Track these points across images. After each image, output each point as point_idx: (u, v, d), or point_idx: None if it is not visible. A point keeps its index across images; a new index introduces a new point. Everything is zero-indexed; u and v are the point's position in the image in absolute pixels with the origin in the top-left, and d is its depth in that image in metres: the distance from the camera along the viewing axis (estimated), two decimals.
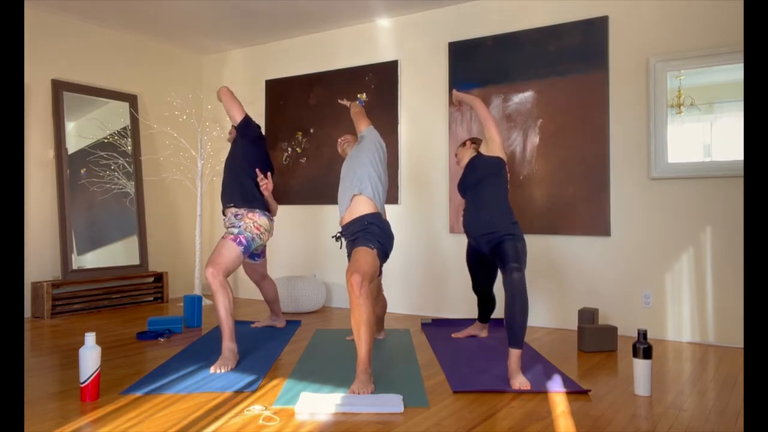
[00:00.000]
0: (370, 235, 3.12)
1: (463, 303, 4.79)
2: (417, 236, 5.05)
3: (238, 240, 3.52)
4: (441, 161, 4.94)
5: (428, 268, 4.99)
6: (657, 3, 4.09)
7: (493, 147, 3.34)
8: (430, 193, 5.01)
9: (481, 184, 3.26)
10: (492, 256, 3.22)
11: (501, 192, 3.24)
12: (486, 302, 3.87)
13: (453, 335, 4.02)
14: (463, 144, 3.66)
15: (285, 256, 5.76)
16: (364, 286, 2.83)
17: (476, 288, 3.78)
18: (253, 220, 3.64)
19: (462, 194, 3.48)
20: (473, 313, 4.64)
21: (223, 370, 3.13)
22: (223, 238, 3.54)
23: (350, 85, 5.38)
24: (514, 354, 2.93)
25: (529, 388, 2.82)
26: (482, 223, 3.23)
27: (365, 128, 3.47)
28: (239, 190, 3.72)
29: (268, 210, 3.80)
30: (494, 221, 3.17)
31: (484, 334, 4.03)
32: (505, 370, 3.01)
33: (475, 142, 3.61)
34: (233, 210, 3.73)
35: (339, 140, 3.87)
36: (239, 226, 3.59)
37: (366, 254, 3.01)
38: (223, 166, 4.03)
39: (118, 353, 3.59)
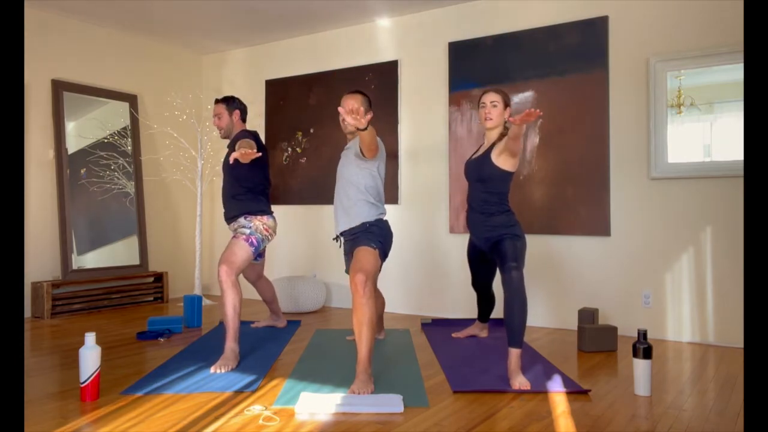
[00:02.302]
0: (371, 234, 3.12)
1: (463, 303, 4.79)
2: (417, 236, 5.05)
3: (250, 240, 3.54)
4: (441, 161, 4.94)
5: (428, 268, 4.99)
6: (657, 3, 4.09)
7: (507, 162, 3.16)
8: (430, 193, 5.00)
9: (485, 188, 3.23)
10: (491, 254, 3.22)
11: (504, 198, 3.23)
12: (485, 299, 3.87)
13: (453, 335, 4.02)
14: (499, 93, 3.28)
15: (285, 256, 5.76)
16: (368, 285, 2.84)
17: (475, 284, 3.78)
18: (262, 222, 3.66)
19: (467, 179, 3.39)
20: (473, 313, 4.64)
21: (223, 371, 3.13)
22: (234, 237, 3.56)
23: (350, 85, 5.37)
24: (514, 353, 2.93)
25: (529, 388, 2.82)
26: (483, 226, 3.23)
27: (371, 158, 3.16)
28: (245, 206, 3.69)
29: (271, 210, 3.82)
30: (495, 225, 3.18)
31: (484, 334, 4.03)
32: (505, 370, 3.01)
33: (509, 104, 3.30)
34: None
35: (341, 119, 3.47)
36: (250, 227, 3.61)
37: (368, 254, 3.01)
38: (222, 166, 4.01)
39: (118, 353, 3.59)
